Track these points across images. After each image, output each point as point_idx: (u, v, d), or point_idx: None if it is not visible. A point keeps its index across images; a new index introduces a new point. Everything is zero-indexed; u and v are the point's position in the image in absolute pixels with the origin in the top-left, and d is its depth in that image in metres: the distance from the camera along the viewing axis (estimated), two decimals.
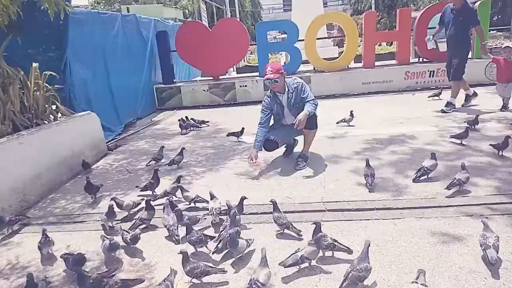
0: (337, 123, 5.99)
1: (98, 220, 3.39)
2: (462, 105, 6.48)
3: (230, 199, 3.50)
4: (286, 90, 4.27)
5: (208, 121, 7.01)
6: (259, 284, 2.15)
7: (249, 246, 2.63)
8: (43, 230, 2.89)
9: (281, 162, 4.55)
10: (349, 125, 5.93)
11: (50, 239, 2.86)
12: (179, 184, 3.64)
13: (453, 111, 6.26)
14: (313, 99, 4.21)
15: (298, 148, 4.64)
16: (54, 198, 4.09)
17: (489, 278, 2.20)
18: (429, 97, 7.41)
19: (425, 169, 3.57)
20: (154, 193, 3.84)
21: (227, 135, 5.68)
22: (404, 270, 2.34)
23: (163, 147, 5.02)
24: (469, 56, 6.39)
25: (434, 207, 3.10)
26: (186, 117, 6.85)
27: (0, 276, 2.70)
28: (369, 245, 2.25)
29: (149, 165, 4.78)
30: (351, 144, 4.99)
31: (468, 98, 6.59)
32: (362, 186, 3.64)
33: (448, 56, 6.43)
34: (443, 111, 6.25)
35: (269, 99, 4.34)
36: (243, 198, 3.14)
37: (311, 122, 4.22)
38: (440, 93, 7.27)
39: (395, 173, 3.89)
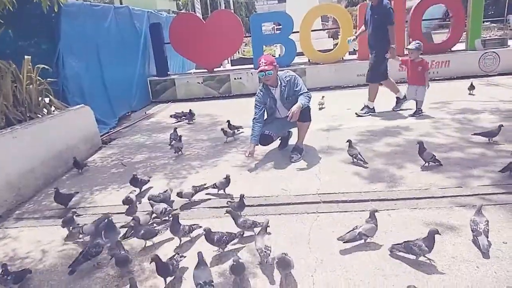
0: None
1: (94, 214, 3.40)
2: (393, 109, 6.12)
3: (226, 192, 3.55)
4: (279, 83, 4.26)
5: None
6: (269, 248, 2.42)
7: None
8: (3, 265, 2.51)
9: (276, 155, 4.56)
10: (322, 108, 6.65)
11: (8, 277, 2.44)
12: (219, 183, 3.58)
13: (369, 114, 5.96)
14: (307, 92, 4.22)
15: (293, 141, 4.65)
16: (49, 192, 4.08)
17: (481, 267, 2.24)
18: (469, 94, 6.77)
19: None
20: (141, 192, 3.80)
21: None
22: (398, 260, 2.38)
23: (176, 128, 5.43)
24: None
25: (428, 198, 3.14)
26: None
27: None
28: (436, 233, 2.31)
29: (171, 144, 5.07)
30: (345, 136, 4.98)
31: (398, 101, 6.15)
32: (357, 177, 3.68)
33: (371, 56, 6.06)
34: (357, 115, 5.98)
35: (261, 93, 4.33)
36: (242, 196, 3.10)
37: (305, 115, 4.23)
38: (473, 87, 6.74)
39: (389, 164, 3.92)
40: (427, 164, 3.74)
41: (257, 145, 4.32)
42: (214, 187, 3.56)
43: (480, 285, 2.10)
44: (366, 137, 4.88)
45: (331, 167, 3.98)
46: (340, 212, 3.07)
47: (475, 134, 4.32)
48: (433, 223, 2.76)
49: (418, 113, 5.70)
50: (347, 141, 4.08)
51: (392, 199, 3.18)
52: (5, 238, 3.18)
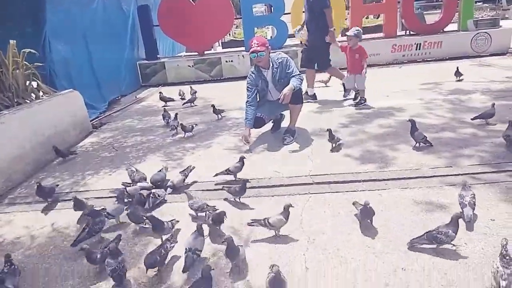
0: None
1: (87, 198, 3.39)
2: (344, 96, 5.98)
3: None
4: (271, 65, 4.22)
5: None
6: (267, 222, 2.48)
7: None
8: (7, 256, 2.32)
9: (269, 138, 4.56)
10: (326, 86, 6.84)
11: (16, 267, 2.31)
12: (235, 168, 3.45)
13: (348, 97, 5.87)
14: (299, 74, 4.18)
15: (285, 123, 4.64)
16: (40, 177, 4.04)
17: (469, 244, 2.29)
18: (457, 80, 6.34)
19: None
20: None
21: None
22: (389, 238, 2.41)
23: (165, 109, 5.66)
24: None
25: (419, 178, 3.17)
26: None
27: None
28: (459, 218, 2.24)
29: (168, 123, 5.25)
30: (337, 118, 5.01)
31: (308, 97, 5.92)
32: (348, 158, 3.69)
33: (308, 41, 5.92)
34: (308, 101, 5.81)
35: (253, 75, 4.29)
36: (246, 181, 3.08)
37: (297, 97, 4.20)
38: (460, 74, 6.29)
39: (381, 145, 3.94)
40: (418, 144, 3.76)
41: (252, 128, 4.30)
42: (228, 173, 3.40)
43: (468, 261, 2.14)
44: (358, 119, 4.89)
45: (323, 149, 3.98)
46: (331, 193, 3.09)
47: (474, 118, 4.21)
48: (423, 202, 2.80)
49: (361, 102, 5.47)
50: (327, 130, 3.92)
51: (383, 179, 3.20)
52: None
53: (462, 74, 6.34)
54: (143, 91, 8.61)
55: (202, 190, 3.36)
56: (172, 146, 4.56)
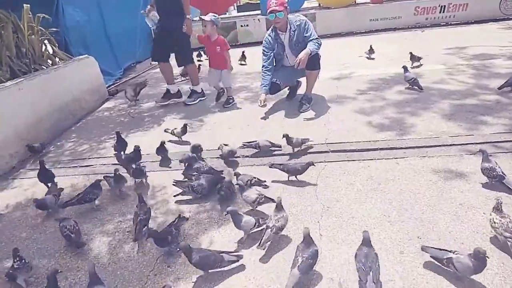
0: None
1: (104, 164, 3.46)
2: (185, 103, 4.92)
3: (233, 142, 3.52)
4: (288, 27, 4.07)
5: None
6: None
7: (258, 226, 2.28)
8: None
9: (285, 105, 4.49)
10: (370, 58, 6.12)
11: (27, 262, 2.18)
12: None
13: (199, 100, 5.00)
14: (317, 38, 4.03)
15: (302, 91, 4.55)
16: (59, 143, 4.13)
17: (487, 214, 2.23)
18: (413, 67, 5.30)
19: None
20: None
21: None
22: (405, 207, 2.39)
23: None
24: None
25: (438, 146, 3.10)
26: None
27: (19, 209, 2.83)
28: None
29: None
30: (356, 84, 4.88)
31: (194, 93, 4.98)
32: (366, 126, 3.62)
33: (162, 27, 4.74)
34: (185, 104, 4.90)
35: (270, 38, 4.15)
36: (310, 163, 2.84)
37: (314, 63, 4.07)
38: (418, 58, 5.36)
39: (400, 112, 3.84)
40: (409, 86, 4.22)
41: (268, 94, 4.22)
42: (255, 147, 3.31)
43: (485, 230, 2.11)
44: (377, 85, 4.75)
45: (341, 117, 3.91)
46: (348, 161, 3.05)
47: (500, 87, 4.01)
48: (442, 170, 2.74)
49: (229, 102, 4.64)
50: (283, 137, 3.24)
51: (401, 148, 3.14)
52: (21, 187, 3.28)
53: (420, 58, 5.37)
54: None
55: (217, 157, 3.37)
56: (187, 113, 4.56)
